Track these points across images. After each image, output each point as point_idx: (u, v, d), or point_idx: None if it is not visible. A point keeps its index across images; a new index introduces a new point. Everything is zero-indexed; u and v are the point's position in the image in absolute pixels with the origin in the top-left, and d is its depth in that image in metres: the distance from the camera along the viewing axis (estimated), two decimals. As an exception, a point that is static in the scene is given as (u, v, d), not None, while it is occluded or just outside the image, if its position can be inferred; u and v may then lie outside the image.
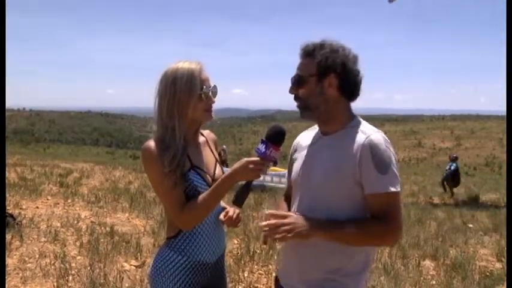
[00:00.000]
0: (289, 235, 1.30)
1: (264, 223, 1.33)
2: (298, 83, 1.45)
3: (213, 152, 1.68)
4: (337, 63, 1.40)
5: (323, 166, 1.43)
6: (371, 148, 1.34)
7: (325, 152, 1.45)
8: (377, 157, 1.33)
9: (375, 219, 1.34)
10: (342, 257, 1.41)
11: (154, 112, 1.52)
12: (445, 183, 13.95)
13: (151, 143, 1.48)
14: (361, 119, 1.48)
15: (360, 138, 1.38)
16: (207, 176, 1.56)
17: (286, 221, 1.33)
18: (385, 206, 1.34)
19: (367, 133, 1.39)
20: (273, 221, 1.33)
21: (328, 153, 1.44)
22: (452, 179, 13.61)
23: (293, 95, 1.48)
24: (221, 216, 1.61)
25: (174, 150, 1.46)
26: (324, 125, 1.50)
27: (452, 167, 13.67)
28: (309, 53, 1.44)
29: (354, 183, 1.36)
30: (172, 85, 1.47)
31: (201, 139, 1.66)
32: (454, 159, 14.15)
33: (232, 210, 1.61)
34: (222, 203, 1.68)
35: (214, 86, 1.54)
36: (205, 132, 1.72)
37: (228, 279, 1.78)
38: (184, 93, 1.47)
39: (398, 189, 1.34)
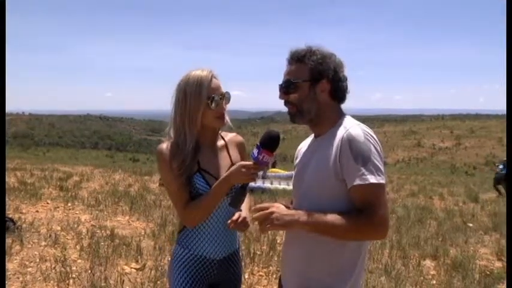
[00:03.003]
0: (269, 223, 1.32)
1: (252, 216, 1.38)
2: (289, 89, 1.46)
3: (230, 156, 1.70)
4: (330, 68, 1.44)
5: (312, 167, 1.46)
6: (349, 141, 1.35)
7: (315, 153, 1.48)
8: (355, 149, 1.33)
9: (357, 212, 1.32)
10: (328, 257, 1.41)
11: (170, 118, 1.63)
12: (498, 186, 13.42)
13: (164, 146, 1.59)
14: (347, 116, 1.49)
15: (340, 133, 1.40)
16: (212, 178, 1.61)
17: (267, 211, 1.35)
18: (367, 198, 1.31)
19: (347, 127, 1.40)
20: (257, 214, 1.36)
21: (317, 154, 1.47)
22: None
23: (283, 101, 1.49)
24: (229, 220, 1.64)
25: (184, 155, 1.55)
26: (315, 128, 1.53)
27: (504, 170, 13.03)
28: (299, 59, 1.45)
29: (339, 179, 1.37)
30: (183, 93, 1.57)
31: (220, 143, 1.71)
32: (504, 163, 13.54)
33: (238, 214, 1.62)
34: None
35: (227, 92, 1.61)
36: (229, 135, 1.76)
37: (242, 279, 1.82)
38: (193, 100, 1.54)
39: (380, 181, 1.32)
